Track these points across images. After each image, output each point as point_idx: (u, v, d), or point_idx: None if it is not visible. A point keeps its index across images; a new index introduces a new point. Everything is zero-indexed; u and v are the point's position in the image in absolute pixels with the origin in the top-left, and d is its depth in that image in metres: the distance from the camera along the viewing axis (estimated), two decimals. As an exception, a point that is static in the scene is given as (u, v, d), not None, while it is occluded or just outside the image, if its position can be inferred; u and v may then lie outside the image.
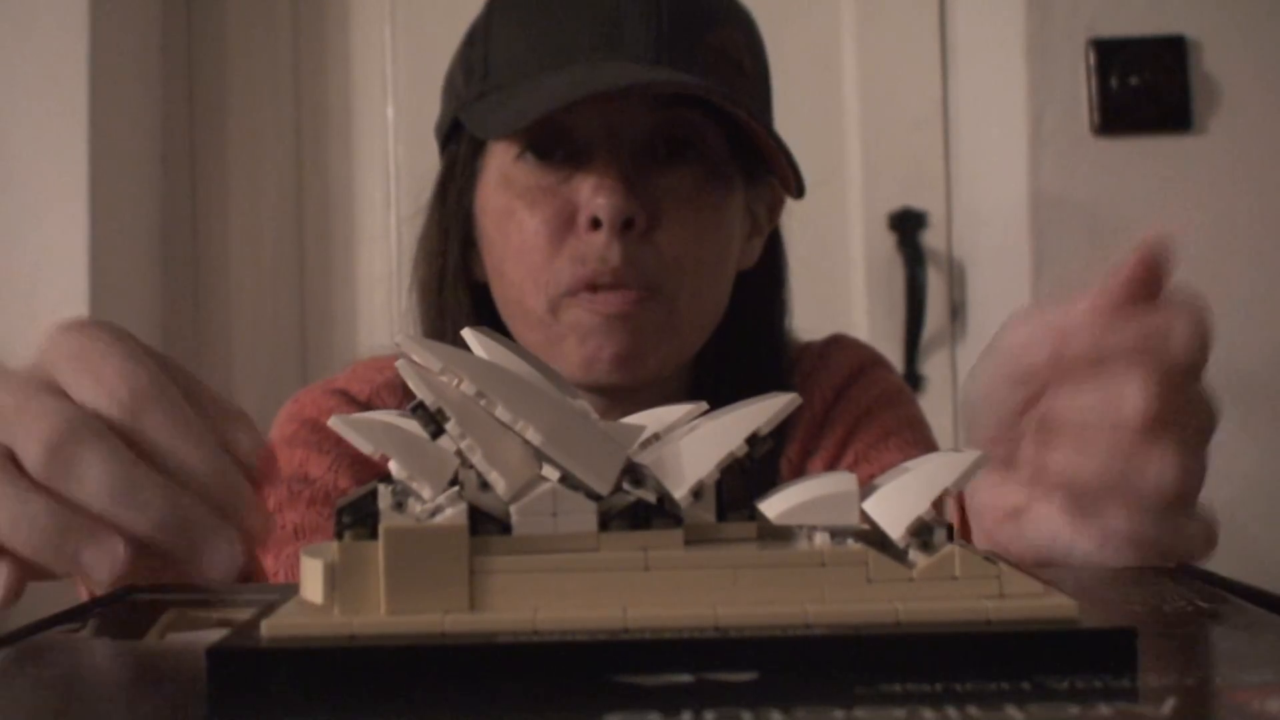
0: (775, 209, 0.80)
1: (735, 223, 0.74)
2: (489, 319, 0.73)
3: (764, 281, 0.78)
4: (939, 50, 1.43)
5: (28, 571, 0.40)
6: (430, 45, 1.44)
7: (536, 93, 0.66)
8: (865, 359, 0.83)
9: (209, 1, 1.46)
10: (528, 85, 0.67)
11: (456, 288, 0.74)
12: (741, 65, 0.73)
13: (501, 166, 0.70)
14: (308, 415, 0.75)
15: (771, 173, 0.73)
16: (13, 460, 0.39)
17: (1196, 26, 1.27)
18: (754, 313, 0.77)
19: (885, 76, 1.42)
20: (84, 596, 0.46)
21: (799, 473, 0.76)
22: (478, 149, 0.72)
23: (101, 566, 0.37)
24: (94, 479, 0.38)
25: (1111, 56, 1.27)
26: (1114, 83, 1.27)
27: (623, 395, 0.71)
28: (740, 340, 0.76)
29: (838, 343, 0.84)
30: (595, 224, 0.66)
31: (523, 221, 0.68)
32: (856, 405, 0.78)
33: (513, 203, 0.69)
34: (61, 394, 0.40)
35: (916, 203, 1.41)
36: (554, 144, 0.68)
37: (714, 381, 0.75)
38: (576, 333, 0.67)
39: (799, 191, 0.73)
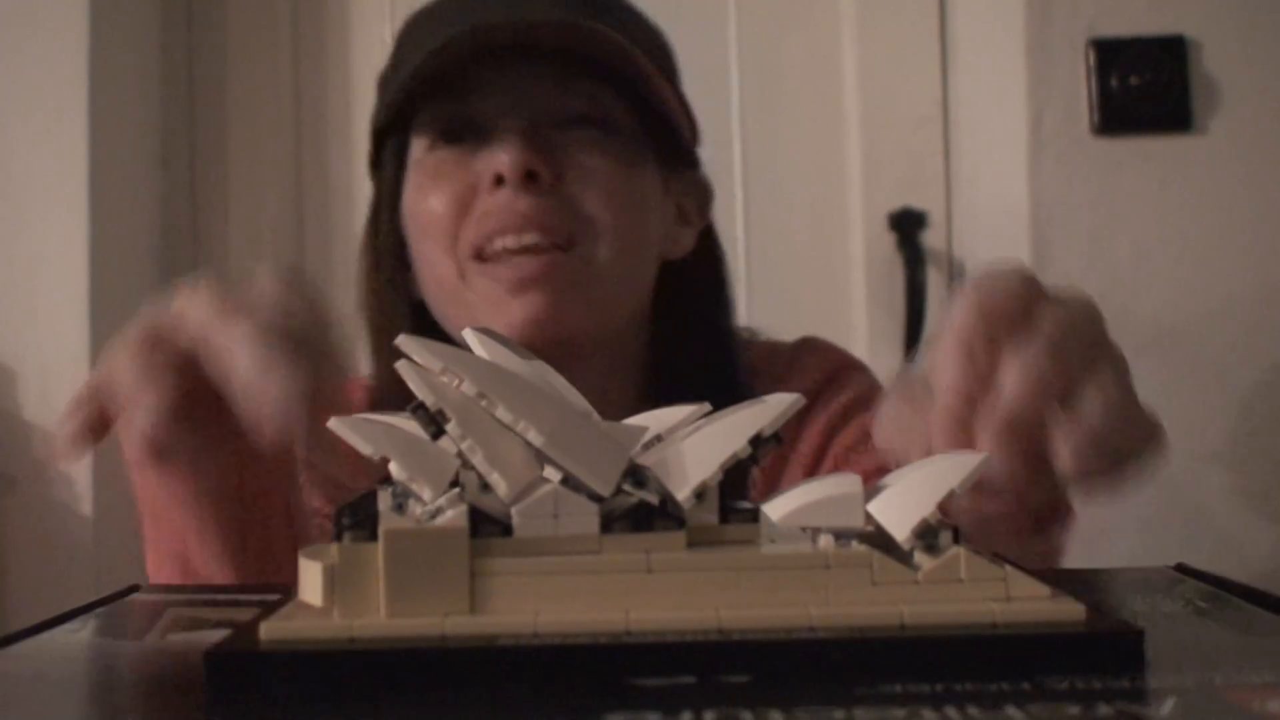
0: (705, 204, 0.80)
1: (650, 194, 0.73)
2: (430, 331, 0.72)
3: (700, 274, 0.78)
4: (939, 50, 1.42)
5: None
6: (430, 45, 1.44)
7: (424, 53, 0.68)
8: (840, 362, 0.82)
9: (209, 2, 1.46)
10: (413, 64, 0.69)
11: (397, 301, 0.74)
12: (649, 41, 0.74)
13: (415, 160, 0.72)
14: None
15: (675, 135, 0.74)
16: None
17: (1196, 26, 1.27)
18: (691, 304, 0.77)
19: (885, 76, 1.42)
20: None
21: (774, 479, 0.75)
22: (399, 162, 0.74)
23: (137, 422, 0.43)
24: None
25: (1111, 56, 1.27)
26: (1114, 83, 1.27)
27: (558, 363, 0.71)
28: (682, 333, 0.76)
29: (809, 345, 0.83)
30: (498, 181, 0.67)
31: (430, 196, 0.70)
32: (834, 409, 0.77)
33: (422, 183, 0.70)
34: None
35: (916, 203, 1.41)
36: (464, 130, 0.70)
37: (665, 378, 0.75)
38: (488, 300, 0.68)
39: (692, 154, 0.75)
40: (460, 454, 0.28)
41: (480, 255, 0.68)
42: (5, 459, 1.24)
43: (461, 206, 0.68)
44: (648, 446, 0.31)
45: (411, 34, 0.76)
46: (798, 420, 0.76)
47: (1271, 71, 1.27)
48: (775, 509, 0.29)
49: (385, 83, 0.76)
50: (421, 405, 0.28)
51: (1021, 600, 0.27)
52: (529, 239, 0.67)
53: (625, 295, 0.72)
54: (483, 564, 0.27)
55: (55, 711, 0.26)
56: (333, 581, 0.27)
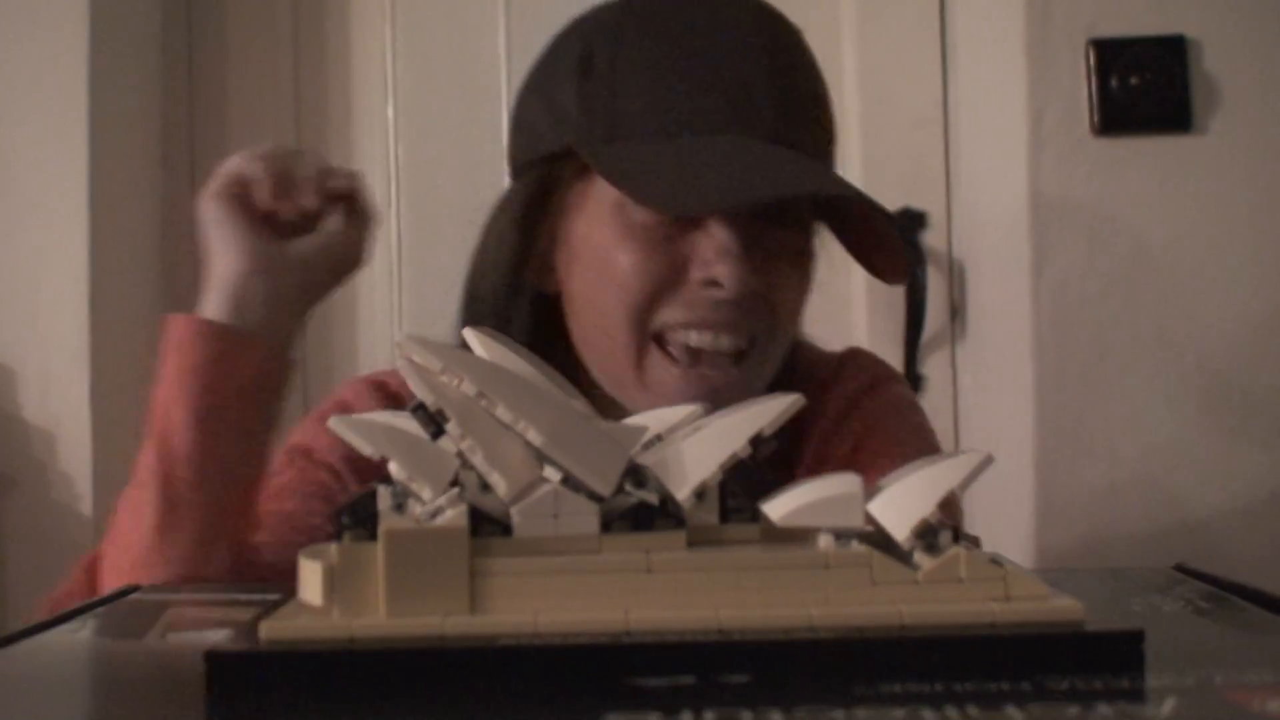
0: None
1: (811, 277, 0.77)
2: (550, 334, 0.75)
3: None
4: (939, 50, 1.42)
5: None
6: (430, 45, 1.44)
7: (688, 166, 0.68)
8: (879, 373, 0.85)
9: (209, 1, 1.46)
10: (671, 149, 0.69)
11: (522, 302, 0.76)
12: (834, 140, 0.77)
13: (613, 202, 0.71)
14: (342, 397, 0.79)
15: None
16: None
17: (1196, 26, 1.27)
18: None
19: (885, 76, 1.42)
20: None
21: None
22: (579, 177, 0.73)
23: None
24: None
25: (1111, 56, 1.27)
26: (1114, 83, 1.27)
27: None
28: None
29: (854, 356, 0.86)
30: (712, 284, 0.68)
31: (632, 259, 0.70)
32: (867, 416, 0.80)
33: (623, 239, 0.70)
34: None
35: (916, 203, 1.40)
36: None
37: None
38: (659, 388, 0.70)
39: (901, 275, 0.76)
40: (460, 454, 0.28)
41: (662, 338, 0.70)
42: (5, 459, 1.24)
43: (663, 283, 0.69)
44: (648, 446, 0.31)
45: (646, 66, 0.73)
46: (835, 425, 0.79)
47: (1271, 71, 1.27)
48: (775, 509, 0.29)
49: (597, 105, 0.73)
50: (421, 405, 0.28)
51: (1021, 600, 0.27)
52: (724, 344, 0.69)
53: (775, 369, 0.75)
54: (482, 564, 0.27)
55: (55, 711, 0.26)
56: (332, 581, 0.27)
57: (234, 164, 0.67)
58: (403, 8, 1.46)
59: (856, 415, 0.80)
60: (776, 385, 0.77)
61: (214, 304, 0.68)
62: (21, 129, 1.25)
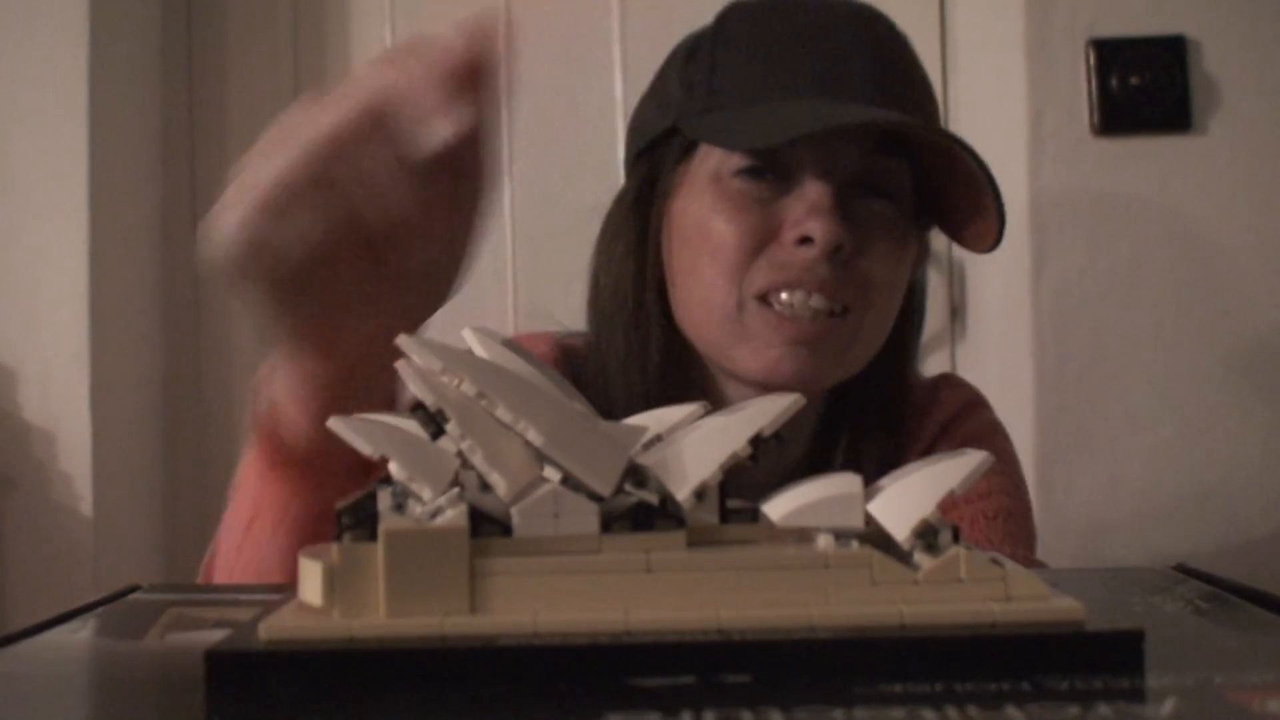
0: (921, 259, 0.84)
1: (910, 264, 0.78)
2: (669, 322, 0.76)
3: (902, 325, 0.82)
4: (939, 50, 1.42)
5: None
6: (430, 45, 1.44)
7: (774, 116, 0.70)
8: (970, 398, 0.87)
9: (209, 1, 1.46)
10: (763, 108, 0.71)
11: (648, 286, 0.77)
12: (938, 106, 0.78)
13: (710, 174, 0.73)
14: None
15: (954, 222, 0.77)
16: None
17: (1196, 26, 1.27)
18: (891, 354, 0.80)
19: (885, 76, 1.42)
20: None
21: None
22: (682, 159, 0.75)
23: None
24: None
25: (1111, 56, 1.27)
26: (1114, 83, 1.27)
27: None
28: (878, 378, 0.79)
29: (947, 380, 0.89)
30: (804, 240, 0.70)
31: (726, 224, 0.72)
32: (957, 438, 0.82)
33: (718, 205, 0.72)
34: None
35: (917, 203, 1.40)
36: (772, 167, 0.72)
37: (849, 415, 0.79)
38: (759, 340, 0.71)
39: (998, 238, 0.76)
40: (460, 454, 0.28)
41: (764, 298, 0.71)
42: (5, 459, 1.24)
43: (756, 246, 0.71)
44: (648, 446, 0.31)
45: (747, 46, 0.75)
46: (928, 447, 0.81)
47: (1271, 71, 1.27)
48: (775, 509, 0.29)
49: (697, 83, 0.75)
50: (421, 405, 0.28)
51: (1021, 600, 0.27)
52: (816, 302, 0.70)
53: (872, 353, 0.76)
54: (482, 564, 0.27)
55: (55, 711, 0.26)
56: (333, 581, 0.27)
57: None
58: (403, 8, 1.46)
59: (946, 439, 0.82)
60: (886, 415, 0.80)
61: (295, 420, 0.50)
62: (21, 129, 1.25)
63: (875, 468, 0.73)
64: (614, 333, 0.77)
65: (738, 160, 0.72)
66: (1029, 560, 0.76)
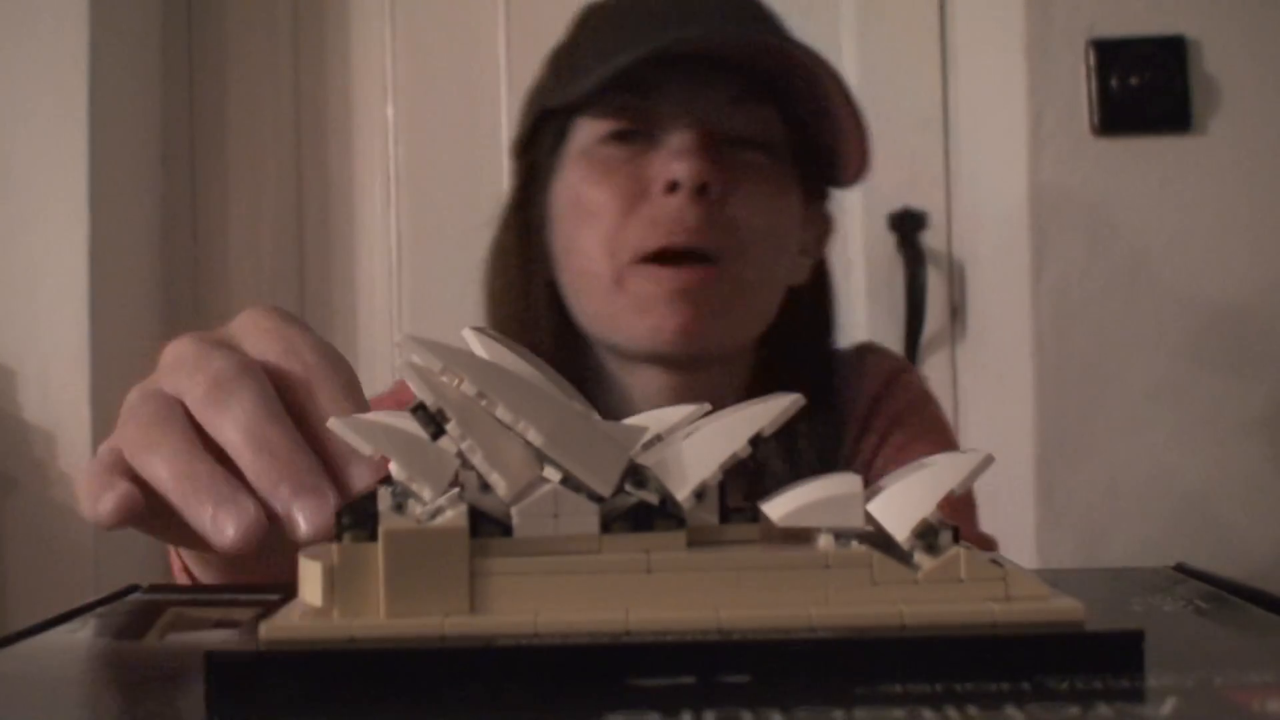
0: (825, 237, 0.83)
1: (792, 223, 0.76)
2: (561, 313, 0.75)
3: (815, 301, 0.81)
4: (939, 50, 1.42)
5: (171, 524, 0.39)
6: (430, 45, 1.44)
7: (615, 59, 0.69)
8: (896, 365, 0.86)
9: (209, 1, 1.46)
10: (610, 59, 0.70)
11: (536, 280, 0.76)
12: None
13: (582, 149, 0.73)
14: None
15: (831, 165, 0.77)
16: (183, 409, 0.40)
17: (1196, 26, 1.27)
18: (805, 329, 0.80)
19: (885, 76, 1.42)
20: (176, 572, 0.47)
21: None
22: (557, 144, 0.75)
23: (226, 527, 0.37)
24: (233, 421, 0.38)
25: (1111, 56, 1.27)
26: (1114, 83, 1.27)
27: (684, 370, 0.74)
28: (793, 356, 0.79)
29: (871, 350, 0.87)
30: (671, 188, 0.69)
31: (595, 190, 0.71)
32: (890, 411, 0.81)
33: (587, 175, 0.72)
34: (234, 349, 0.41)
35: (916, 203, 1.41)
36: (637, 128, 0.72)
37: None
38: (641, 303, 0.70)
39: (860, 171, 0.77)
40: (460, 454, 0.28)
41: (643, 257, 0.70)
42: (5, 459, 1.24)
43: (629, 205, 0.70)
44: (648, 446, 0.31)
45: (602, 22, 0.76)
46: (862, 422, 0.80)
47: (1271, 71, 1.27)
48: (774, 509, 0.29)
49: (562, 64, 0.76)
50: (421, 405, 0.28)
51: (1021, 600, 0.27)
52: (694, 246, 0.70)
53: (759, 317, 0.75)
54: (482, 564, 0.27)
55: (55, 711, 0.26)
56: (332, 581, 0.27)
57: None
58: (403, 8, 1.46)
59: (880, 412, 0.81)
60: (809, 391, 0.78)
61: None
62: (21, 129, 1.25)
63: (810, 445, 0.73)
64: (508, 330, 0.75)
65: (603, 126, 0.72)
66: (977, 537, 0.76)
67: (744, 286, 0.72)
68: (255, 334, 0.43)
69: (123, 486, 0.38)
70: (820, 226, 0.82)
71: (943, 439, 0.82)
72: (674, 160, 0.69)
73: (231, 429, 0.38)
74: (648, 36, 0.70)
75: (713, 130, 0.71)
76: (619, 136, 0.72)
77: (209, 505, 0.37)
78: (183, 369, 0.41)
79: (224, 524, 0.36)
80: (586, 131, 0.73)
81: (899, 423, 0.80)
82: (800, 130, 0.74)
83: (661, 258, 0.69)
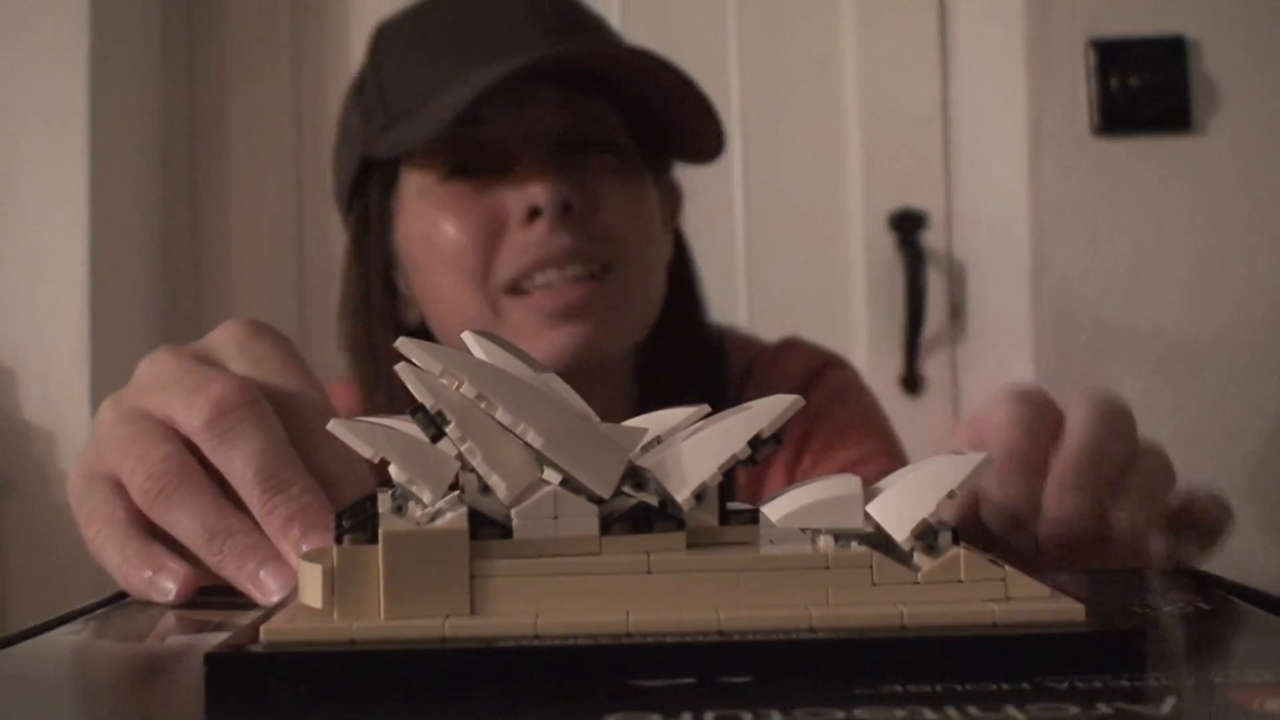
0: (677, 207, 0.80)
1: (655, 208, 0.74)
2: None
3: (679, 276, 0.78)
4: (939, 50, 1.42)
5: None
6: (430, 45, 1.44)
7: (444, 100, 0.66)
8: (816, 362, 0.82)
9: (209, 1, 1.46)
10: (438, 98, 0.67)
11: (386, 334, 0.73)
12: (621, 42, 0.74)
13: (421, 191, 0.70)
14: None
15: (678, 146, 0.74)
16: (179, 437, 0.40)
17: (1196, 26, 1.27)
18: (677, 307, 0.77)
19: (885, 76, 1.42)
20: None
21: (757, 483, 0.76)
22: (388, 189, 0.72)
23: (270, 585, 0.37)
24: (184, 521, 0.38)
25: (1111, 57, 1.27)
26: (1114, 83, 1.27)
27: (575, 380, 0.71)
28: (672, 334, 0.76)
29: (790, 347, 0.84)
30: (533, 214, 0.66)
31: (451, 230, 0.68)
32: (809, 409, 0.77)
33: (437, 217, 0.68)
34: (168, 428, 0.40)
35: (916, 203, 1.41)
36: (472, 159, 0.68)
37: (655, 376, 0.75)
38: (525, 330, 0.67)
39: (719, 144, 0.73)
40: (460, 456, 0.28)
41: (515, 289, 0.67)
42: (5, 459, 1.24)
43: (490, 240, 0.67)
44: (647, 448, 0.31)
45: (407, 50, 0.73)
46: None
47: (1271, 71, 1.27)
48: (775, 510, 0.29)
49: (374, 104, 0.72)
50: (421, 407, 0.28)
51: (1021, 600, 0.27)
52: (572, 271, 0.67)
53: (648, 312, 0.73)
54: (482, 566, 0.27)
55: (55, 712, 0.26)
56: (332, 583, 0.27)
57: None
58: (402, 8, 1.46)
59: (799, 414, 0.78)
60: (697, 371, 0.75)
61: None
62: (21, 129, 1.25)
63: None
64: (372, 391, 0.73)
65: (439, 165, 0.69)
66: None
67: (630, 290, 0.70)
68: (236, 351, 0.42)
69: (178, 569, 0.38)
70: (672, 198, 0.79)
71: (873, 428, 0.79)
72: (528, 185, 0.66)
73: (241, 466, 0.38)
74: (469, 70, 0.66)
75: (552, 145, 0.68)
76: (463, 170, 0.68)
77: (252, 564, 0.37)
78: (174, 390, 0.40)
79: (268, 583, 0.37)
80: (420, 173, 0.70)
81: (822, 418, 0.77)
82: (632, 112, 0.70)
83: (537, 285, 0.67)
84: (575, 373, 0.70)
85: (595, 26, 0.74)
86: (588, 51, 0.67)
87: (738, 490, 0.74)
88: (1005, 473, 0.37)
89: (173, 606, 0.38)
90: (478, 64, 0.67)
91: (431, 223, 0.69)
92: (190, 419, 0.39)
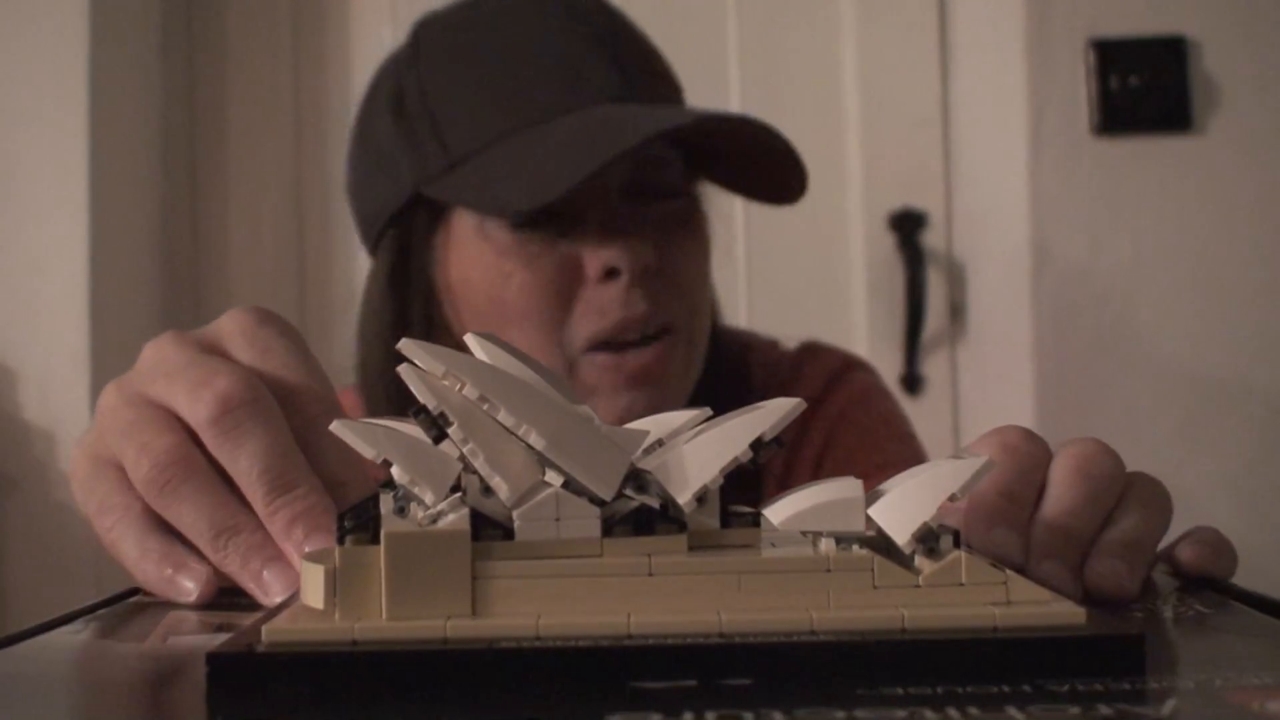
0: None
1: (709, 250, 0.73)
2: None
3: None
4: (939, 50, 1.43)
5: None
6: (430, 45, 1.44)
7: (534, 159, 0.63)
8: (838, 364, 0.82)
9: (209, 1, 1.46)
10: (515, 151, 0.65)
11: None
12: (679, 89, 0.73)
13: (482, 234, 0.67)
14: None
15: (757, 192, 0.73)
16: (183, 427, 0.39)
17: (1196, 26, 1.27)
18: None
19: (885, 76, 1.42)
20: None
21: (782, 485, 0.76)
22: (436, 221, 0.69)
23: (274, 587, 0.37)
24: (187, 515, 0.38)
25: (1111, 56, 1.27)
26: (1114, 83, 1.27)
27: None
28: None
29: (810, 352, 0.84)
30: (609, 274, 0.65)
31: (523, 282, 0.65)
32: (831, 412, 0.78)
33: (504, 265, 0.66)
34: (172, 417, 0.40)
35: (916, 203, 1.41)
36: (545, 211, 0.65)
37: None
38: (601, 392, 0.66)
39: (801, 189, 0.72)
40: (462, 457, 0.28)
41: (592, 347, 0.66)
42: (5, 459, 1.24)
43: (565, 297, 0.65)
44: (649, 451, 0.31)
45: (458, 81, 0.68)
46: (801, 423, 0.76)
47: (1271, 71, 1.27)
48: (776, 513, 0.29)
49: (423, 139, 0.68)
50: (424, 409, 0.28)
51: (1022, 604, 0.27)
52: (650, 330, 0.66)
53: (704, 351, 0.72)
54: (484, 567, 0.27)
55: (55, 712, 0.26)
56: (334, 584, 0.27)
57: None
58: (403, 8, 1.46)
59: (820, 414, 0.77)
60: (729, 385, 0.74)
61: None
62: (21, 129, 1.25)
63: None
64: (396, 399, 0.70)
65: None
66: None
67: (696, 343, 0.69)
68: (242, 341, 0.42)
69: (199, 569, 0.38)
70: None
71: (895, 431, 0.79)
72: (605, 245, 0.64)
73: (247, 465, 0.38)
74: (541, 118, 0.64)
75: (626, 191, 0.66)
76: (528, 220, 0.65)
77: (256, 564, 0.37)
78: (179, 380, 0.40)
79: (271, 584, 0.37)
80: (486, 219, 0.67)
81: (844, 421, 0.77)
82: (697, 156, 0.69)
83: (612, 345, 0.65)
84: None
85: (655, 60, 0.71)
86: (700, 126, 0.64)
87: (766, 493, 0.74)
88: (986, 529, 0.37)
89: (190, 607, 0.38)
90: (547, 111, 0.65)
91: (498, 270, 0.66)
92: (195, 412, 0.39)
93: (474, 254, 0.68)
